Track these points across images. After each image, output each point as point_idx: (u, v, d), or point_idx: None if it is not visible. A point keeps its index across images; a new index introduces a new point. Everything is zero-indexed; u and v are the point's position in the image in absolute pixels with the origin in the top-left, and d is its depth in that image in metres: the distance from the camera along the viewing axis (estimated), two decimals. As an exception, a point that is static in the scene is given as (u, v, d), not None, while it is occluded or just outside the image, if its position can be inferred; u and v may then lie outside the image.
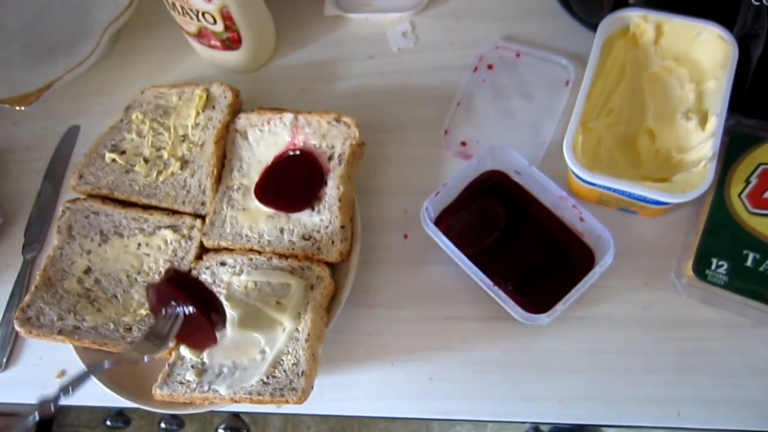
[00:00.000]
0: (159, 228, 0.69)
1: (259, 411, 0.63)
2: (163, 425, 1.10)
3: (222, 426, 0.84)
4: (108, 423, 1.13)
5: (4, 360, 0.71)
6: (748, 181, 0.59)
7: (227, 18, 0.69)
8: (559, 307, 0.57)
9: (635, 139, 0.62)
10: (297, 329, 0.60)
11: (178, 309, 0.55)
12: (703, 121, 0.59)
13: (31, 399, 0.69)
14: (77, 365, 0.65)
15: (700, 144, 0.58)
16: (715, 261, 0.57)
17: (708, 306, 0.60)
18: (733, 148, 0.61)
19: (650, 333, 0.60)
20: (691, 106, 0.61)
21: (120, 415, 1.14)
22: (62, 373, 0.70)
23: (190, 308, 0.54)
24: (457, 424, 1.50)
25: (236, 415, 0.84)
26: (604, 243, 0.58)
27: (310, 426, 1.53)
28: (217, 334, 0.57)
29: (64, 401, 0.49)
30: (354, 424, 1.53)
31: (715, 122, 0.58)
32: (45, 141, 0.81)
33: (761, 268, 0.56)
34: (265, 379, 0.59)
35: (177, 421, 1.10)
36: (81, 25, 0.81)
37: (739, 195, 0.59)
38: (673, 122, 0.61)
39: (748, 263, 0.57)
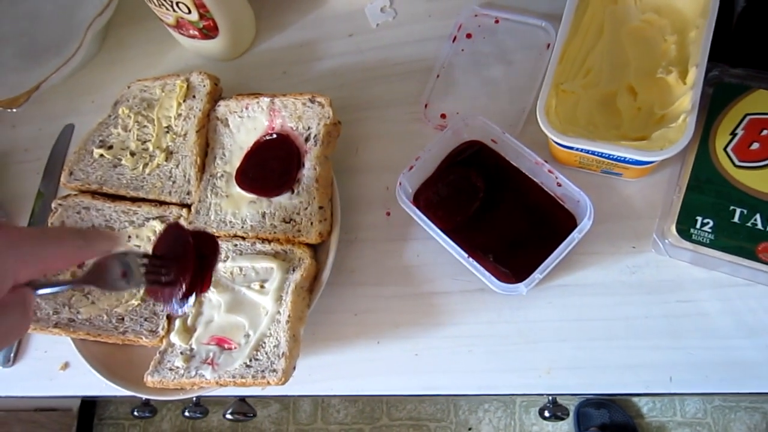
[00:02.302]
0: (148, 219, 0.70)
1: (263, 395, 0.64)
2: (187, 413, 1.12)
3: (229, 411, 0.86)
4: (135, 413, 1.15)
5: (12, 355, 0.73)
6: (734, 134, 0.56)
7: (200, 6, 0.69)
8: (537, 275, 0.55)
9: (616, 98, 0.60)
10: (278, 311, 0.60)
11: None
12: (683, 74, 0.56)
13: (40, 391, 0.72)
14: (78, 357, 0.67)
15: (681, 98, 0.55)
16: (700, 219, 0.55)
17: (697, 267, 0.57)
18: (717, 100, 0.58)
19: (639, 297, 0.58)
20: (673, 59, 0.58)
21: (146, 405, 1.16)
22: (66, 366, 0.72)
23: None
24: (485, 401, 1.49)
25: (243, 400, 0.85)
26: (583, 208, 0.57)
27: (340, 410, 1.55)
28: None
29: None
30: (383, 407, 1.53)
31: (695, 73, 0.55)
32: (42, 141, 0.83)
33: (749, 224, 0.53)
34: (248, 362, 0.59)
35: (201, 409, 1.12)
36: (69, 26, 0.83)
37: (725, 148, 0.56)
38: (654, 77, 0.58)
39: (735, 219, 0.54)
